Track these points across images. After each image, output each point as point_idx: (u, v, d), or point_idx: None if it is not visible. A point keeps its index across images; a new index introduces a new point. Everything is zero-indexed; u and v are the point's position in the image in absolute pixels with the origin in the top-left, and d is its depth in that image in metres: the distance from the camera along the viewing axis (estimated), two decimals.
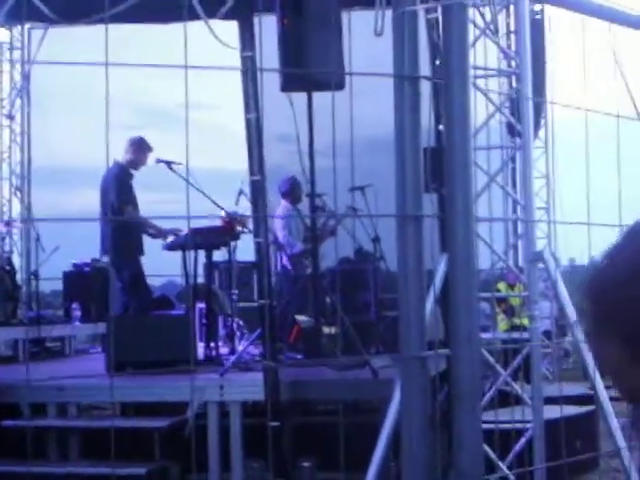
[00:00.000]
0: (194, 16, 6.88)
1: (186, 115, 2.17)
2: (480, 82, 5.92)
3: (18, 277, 10.92)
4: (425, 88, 2.55)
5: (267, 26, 6.99)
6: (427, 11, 5.69)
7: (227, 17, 7.45)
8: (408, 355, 2.32)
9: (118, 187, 8.75)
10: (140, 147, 8.98)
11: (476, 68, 5.50)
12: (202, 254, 8.43)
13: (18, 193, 12.82)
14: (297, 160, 7.63)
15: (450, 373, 2.41)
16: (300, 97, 7.39)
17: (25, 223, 12.05)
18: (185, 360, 7.11)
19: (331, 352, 7.34)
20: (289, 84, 7.24)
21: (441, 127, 6.53)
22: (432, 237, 3.14)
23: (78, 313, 10.39)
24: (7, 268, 10.22)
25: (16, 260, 11.86)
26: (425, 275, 2.45)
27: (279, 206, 9.63)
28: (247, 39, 6.33)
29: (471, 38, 5.10)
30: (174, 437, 6.57)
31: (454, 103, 2.29)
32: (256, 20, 6.51)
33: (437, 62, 5.88)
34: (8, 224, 11.47)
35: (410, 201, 2.31)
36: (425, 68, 2.48)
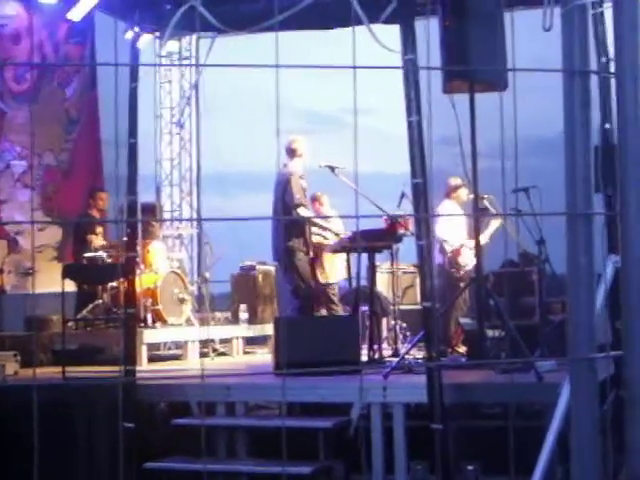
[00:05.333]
0: (357, 21, 6.97)
1: (356, 117, 2.20)
2: None
3: (188, 280, 11.25)
4: (592, 87, 2.49)
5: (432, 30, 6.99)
6: (592, 6, 5.59)
7: (389, 21, 7.51)
8: (577, 357, 2.26)
9: (294, 188, 8.96)
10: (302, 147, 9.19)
11: None
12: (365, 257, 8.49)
13: (187, 198, 13.23)
14: (460, 162, 7.59)
15: (622, 376, 2.33)
16: (462, 99, 7.35)
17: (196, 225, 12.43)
18: (349, 361, 7.19)
19: (495, 355, 7.26)
20: (451, 86, 7.20)
21: (607, 125, 6.40)
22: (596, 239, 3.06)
23: (245, 315, 10.62)
24: (178, 271, 10.53)
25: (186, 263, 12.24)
26: (595, 276, 2.39)
27: (440, 206, 9.61)
28: (408, 42, 6.34)
29: None
30: (339, 437, 6.64)
31: (626, 98, 2.23)
32: (422, 24, 6.53)
33: (603, 59, 5.74)
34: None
35: (581, 199, 2.26)
36: (592, 65, 2.42)
